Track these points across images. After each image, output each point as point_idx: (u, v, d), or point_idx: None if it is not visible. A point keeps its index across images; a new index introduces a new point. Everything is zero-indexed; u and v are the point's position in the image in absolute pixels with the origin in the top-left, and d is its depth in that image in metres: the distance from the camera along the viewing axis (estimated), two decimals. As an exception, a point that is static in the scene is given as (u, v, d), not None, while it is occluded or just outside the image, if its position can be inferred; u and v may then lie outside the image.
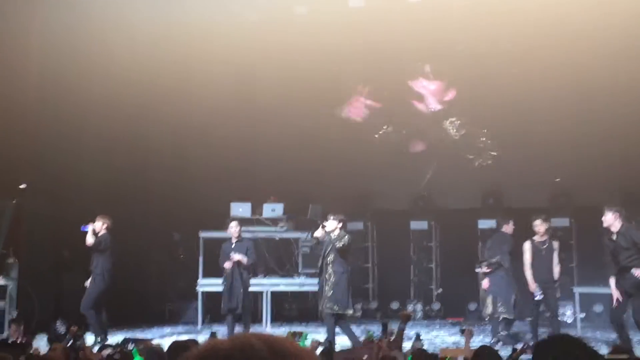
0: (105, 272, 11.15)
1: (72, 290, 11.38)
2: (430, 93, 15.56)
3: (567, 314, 12.98)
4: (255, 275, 12.52)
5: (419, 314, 14.76)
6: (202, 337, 10.38)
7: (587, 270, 13.12)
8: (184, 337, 9.67)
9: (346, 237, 10.39)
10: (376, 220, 15.87)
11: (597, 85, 13.53)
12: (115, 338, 10.82)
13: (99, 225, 11.17)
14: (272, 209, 13.93)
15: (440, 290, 15.31)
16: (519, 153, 14.68)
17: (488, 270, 11.26)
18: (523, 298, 10.94)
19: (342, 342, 10.25)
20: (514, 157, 14.76)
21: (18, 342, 7.87)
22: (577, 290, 12.64)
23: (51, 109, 12.82)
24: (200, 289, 13.56)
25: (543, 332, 10.20)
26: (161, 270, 14.88)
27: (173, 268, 14.89)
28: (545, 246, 10.63)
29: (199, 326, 13.32)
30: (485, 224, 14.73)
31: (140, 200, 14.17)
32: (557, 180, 14.31)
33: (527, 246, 10.76)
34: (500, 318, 11.00)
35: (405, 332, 8.09)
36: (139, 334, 11.93)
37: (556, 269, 10.63)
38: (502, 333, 10.95)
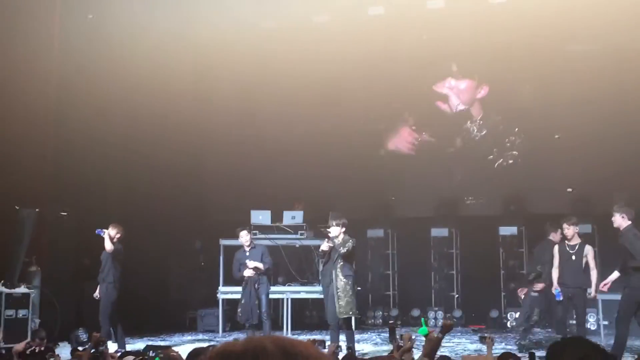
0: (117, 281, 11.17)
1: (92, 298, 11.38)
2: (459, 92, 15.48)
3: (591, 320, 12.81)
4: (275, 281, 12.48)
5: (440, 322, 14.64)
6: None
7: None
8: (204, 345, 9.59)
9: (350, 241, 10.31)
10: (397, 228, 15.79)
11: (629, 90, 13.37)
12: (136, 345, 10.83)
13: (113, 233, 11.19)
14: (292, 217, 13.85)
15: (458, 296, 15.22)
16: (542, 157, 14.58)
17: (531, 279, 11.32)
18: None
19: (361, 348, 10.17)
20: (536, 160, 14.66)
21: (37, 351, 7.82)
22: (600, 297, 12.45)
23: (72, 120, 12.86)
24: (220, 297, 13.55)
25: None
26: (182, 278, 14.87)
27: (194, 276, 14.88)
28: (574, 250, 10.48)
29: (220, 334, 13.31)
30: (506, 230, 14.70)
31: (162, 210, 14.16)
32: (570, 190, 14.15)
33: (555, 250, 10.68)
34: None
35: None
36: (160, 342, 11.91)
37: (592, 274, 10.42)
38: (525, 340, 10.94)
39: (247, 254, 11.33)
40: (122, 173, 13.78)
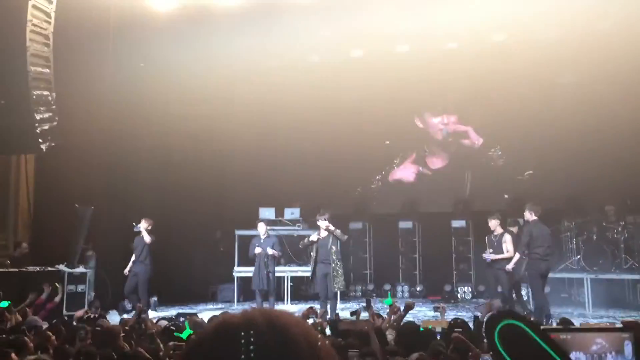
0: (150, 262, 11.26)
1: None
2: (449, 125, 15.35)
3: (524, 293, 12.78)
4: (279, 263, 12.51)
5: (406, 294, 14.63)
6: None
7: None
8: (222, 312, 9.54)
9: (340, 231, 10.41)
10: (372, 222, 15.77)
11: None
12: (169, 312, 10.77)
13: (145, 225, 11.22)
14: (292, 212, 13.86)
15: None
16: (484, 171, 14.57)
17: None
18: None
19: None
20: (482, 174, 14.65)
21: (92, 317, 7.77)
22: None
23: (121, 136, 12.83)
24: (236, 274, 13.50)
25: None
26: (206, 260, 14.80)
27: (215, 258, 14.82)
28: (496, 239, 10.46)
29: (235, 304, 13.24)
30: (457, 223, 14.73)
31: (189, 207, 14.08)
32: (506, 196, 14.07)
33: (486, 239, 10.74)
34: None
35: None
36: (188, 310, 11.84)
37: (507, 255, 10.30)
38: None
39: (262, 240, 11.37)
40: (159, 179, 13.74)
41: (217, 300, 14.04)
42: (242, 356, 1.00)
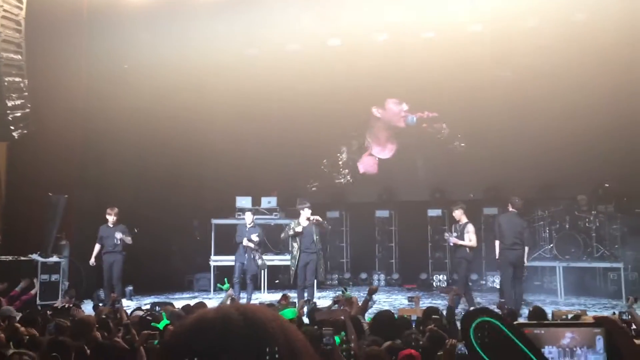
0: (124, 251, 11.26)
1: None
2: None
3: (496, 281, 12.94)
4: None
5: (382, 282, 14.70)
6: (211, 302, 10.27)
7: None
8: (197, 301, 9.48)
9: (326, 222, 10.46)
10: (349, 211, 15.79)
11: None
12: (145, 302, 10.68)
13: (113, 219, 11.13)
14: (269, 202, 13.79)
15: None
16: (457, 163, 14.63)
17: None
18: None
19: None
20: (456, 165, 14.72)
21: (67, 307, 7.67)
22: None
23: (95, 123, 12.63)
24: (212, 264, 13.42)
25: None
26: (182, 249, 14.70)
27: (191, 247, 14.72)
28: (459, 228, 10.43)
29: (211, 292, 13.17)
30: (432, 212, 14.80)
31: (167, 195, 13.94)
32: (472, 195, 14.13)
33: (452, 228, 10.81)
34: None
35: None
36: (164, 299, 11.75)
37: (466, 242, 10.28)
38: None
39: (247, 229, 11.43)
40: (136, 167, 13.57)
41: (193, 289, 13.95)
42: (218, 351, 0.99)
